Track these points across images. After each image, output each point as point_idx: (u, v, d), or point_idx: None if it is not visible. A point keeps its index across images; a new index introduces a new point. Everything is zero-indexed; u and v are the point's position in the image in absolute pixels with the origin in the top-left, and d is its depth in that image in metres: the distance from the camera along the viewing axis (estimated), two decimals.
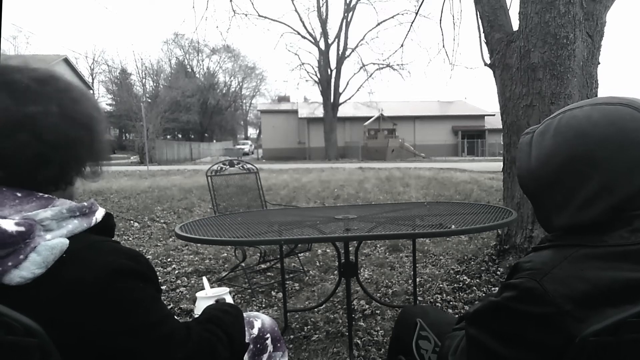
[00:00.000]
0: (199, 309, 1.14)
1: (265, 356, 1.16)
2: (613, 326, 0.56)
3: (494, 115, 28.65)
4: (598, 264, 0.62)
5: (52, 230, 0.64)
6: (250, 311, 1.57)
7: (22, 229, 0.60)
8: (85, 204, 0.70)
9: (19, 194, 0.65)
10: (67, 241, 0.63)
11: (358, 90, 29.10)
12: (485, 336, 0.69)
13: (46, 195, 0.68)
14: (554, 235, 0.73)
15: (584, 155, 0.66)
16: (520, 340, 0.64)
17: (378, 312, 2.59)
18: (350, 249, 2.21)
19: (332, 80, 28.20)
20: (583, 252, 0.64)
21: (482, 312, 0.71)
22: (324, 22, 27.97)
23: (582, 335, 0.57)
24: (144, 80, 43.57)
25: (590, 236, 0.66)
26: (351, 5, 27.02)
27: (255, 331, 1.16)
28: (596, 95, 2.98)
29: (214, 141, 45.64)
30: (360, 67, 27.79)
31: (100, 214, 0.73)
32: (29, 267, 0.60)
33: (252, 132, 63.05)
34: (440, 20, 6.15)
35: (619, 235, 0.63)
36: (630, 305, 0.58)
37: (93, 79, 44.09)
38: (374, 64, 27.49)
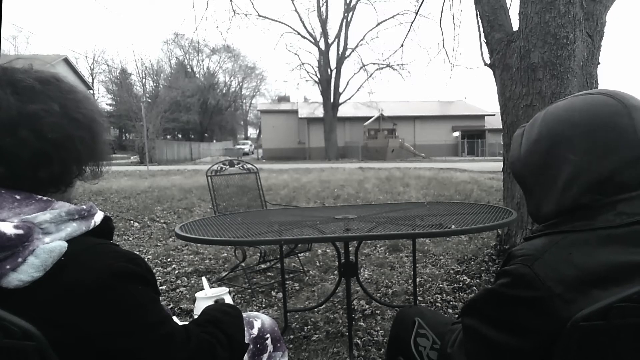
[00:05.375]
0: (198, 309, 1.14)
1: (265, 356, 1.16)
2: (602, 310, 0.57)
3: (494, 115, 28.64)
4: (586, 248, 0.64)
5: (50, 234, 0.64)
6: (250, 311, 1.57)
7: (20, 232, 0.60)
8: (84, 206, 0.70)
9: (18, 197, 0.65)
10: (66, 244, 0.63)
11: (358, 90, 29.09)
12: (481, 324, 0.70)
13: (45, 198, 0.68)
14: (544, 225, 0.76)
15: (562, 139, 0.71)
16: (514, 326, 0.65)
17: (378, 312, 2.59)
18: (350, 249, 2.21)
19: (332, 80, 28.19)
20: (571, 237, 0.67)
21: (476, 301, 0.73)
22: (324, 22, 27.96)
23: (573, 319, 0.58)
24: (144, 80, 43.50)
25: (578, 222, 0.68)
26: (351, 5, 27.02)
27: (255, 331, 1.16)
28: None
29: (214, 141, 45.64)
30: (360, 67, 27.78)
31: (99, 217, 0.73)
32: (28, 271, 0.60)
33: (252, 132, 63.09)
34: (440, 20, 6.15)
35: (605, 219, 0.66)
36: (617, 287, 0.59)
37: (93, 79, 44.09)
38: (374, 64, 27.46)
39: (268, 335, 1.19)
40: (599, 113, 0.69)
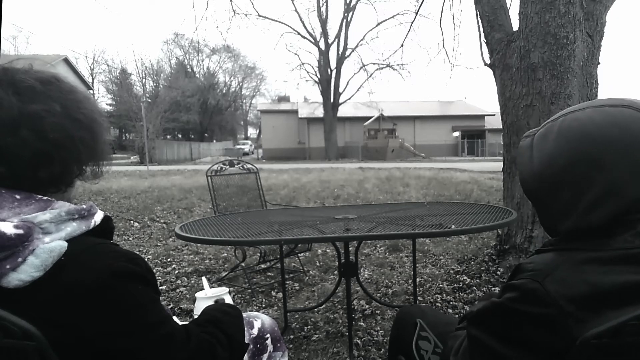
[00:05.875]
0: (198, 309, 1.14)
1: (265, 356, 1.16)
2: (614, 329, 0.56)
3: (494, 115, 28.64)
4: (600, 267, 0.61)
5: (50, 233, 0.63)
6: (250, 311, 1.57)
7: (20, 231, 0.60)
8: (84, 206, 0.70)
9: (18, 196, 0.65)
10: (66, 244, 0.63)
11: (358, 90, 29.12)
12: (487, 337, 0.69)
13: (45, 198, 0.68)
14: (557, 240, 0.72)
15: (588, 158, 0.65)
16: (522, 341, 0.64)
17: (378, 312, 2.59)
18: (350, 249, 2.21)
19: (332, 80, 28.20)
20: (586, 255, 0.63)
21: (483, 312, 0.71)
22: (324, 22, 27.96)
23: (583, 337, 0.56)
24: (144, 80, 43.48)
25: (594, 240, 0.65)
26: (351, 5, 27.02)
27: (255, 331, 1.16)
28: (596, 96, 2.99)
29: (214, 141, 45.65)
30: (360, 67, 27.80)
31: (99, 216, 0.72)
32: (28, 271, 0.60)
33: (252, 132, 63.09)
34: (440, 20, 6.16)
35: (624, 239, 0.62)
36: (631, 307, 0.57)
37: (93, 79, 44.08)
38: (374, 64, 27.48)
39: (268, 335, 1.19)
40: (628, 130, 0.63)
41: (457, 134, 31.64)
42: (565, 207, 0.69)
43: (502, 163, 3.42)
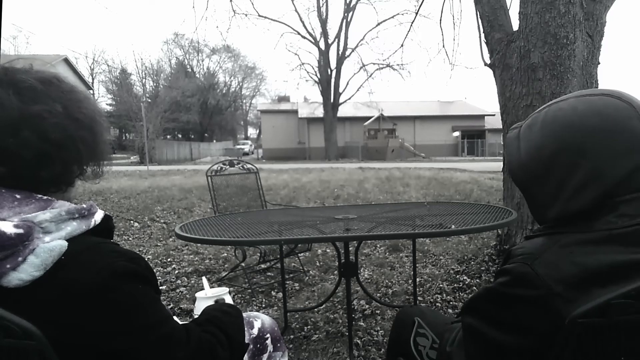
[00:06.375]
0: (198, 309, 1.14)
1: (265, 356, 1.17)
2: (600, 307, 0.57)
3: (494, 115, 28.65)
4: (587, 248, 0.63)
5: (50, 233, 0.64)
6: (250, 311, 1.57)
7: (20, 231, 0.60)
8: (85, 205, 0.70)
9: (18, 196, 0.65)
10: (66, 243, 0.63)
11: (358, 90, 29.13)
12: (481, 323, 0.70)
13: (45, 197, 0.68)
14: (545, 226, 0.75)
15: (572, 146, 0.68)
16: (514, 325, 0.65)
17: (378, 312, 2.59)
18: (350, 249, 2.21)
19: (332, 80, 28.20)
20: (572, 238, 0.66)
21: (476, 299, 0.73)
22: (324, 22, 27.97)
23: (571, 316, 0.58)
24: (144, 80, 43.47)
25: (580, 223, 0.67)
26: (351, 5, 27.03)
27: (255, 331, 1.16)
28: None
29: (214, 141, 45.66)
30: (360, 67, 27.80)
31: (99, 215, 0.73)
32: (28, 270, 0.60)
33: (252, 132, 63.09)
34: (440, 20, 6.16)
35: (606, 220, 0.65)
36: (616, 286, 0.59)
37: (93, 79, 44.09)
38: (374, 64, 27.48)
39: (268, 335, 1.19)
40: (609, 117, 0.66)
41: (457, 134, 31.65)
42: (552, 193, 0.71)
43: (502, 163, 3.42)
